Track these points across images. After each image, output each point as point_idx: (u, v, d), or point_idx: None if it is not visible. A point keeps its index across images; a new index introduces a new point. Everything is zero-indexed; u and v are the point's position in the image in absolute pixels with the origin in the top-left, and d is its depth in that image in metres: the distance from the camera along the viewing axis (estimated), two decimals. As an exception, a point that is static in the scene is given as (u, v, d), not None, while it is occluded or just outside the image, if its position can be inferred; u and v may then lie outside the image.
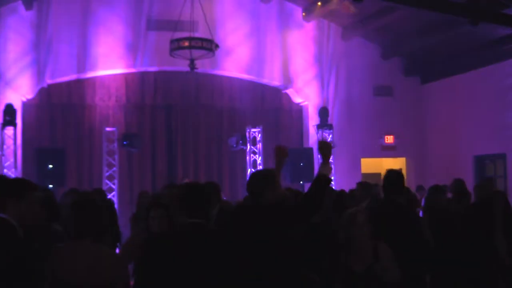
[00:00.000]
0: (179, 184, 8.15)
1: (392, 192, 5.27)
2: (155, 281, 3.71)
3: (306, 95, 15.30)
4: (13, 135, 12.80)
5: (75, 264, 3.77)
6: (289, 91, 15.35)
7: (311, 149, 14.44)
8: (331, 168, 4.28)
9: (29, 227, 3.64)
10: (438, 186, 7.40)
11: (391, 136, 15.67)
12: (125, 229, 8.47)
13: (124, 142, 13.35)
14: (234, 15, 14.57)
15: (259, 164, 14.25)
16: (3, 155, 12.76)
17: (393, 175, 5.36)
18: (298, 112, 15.64)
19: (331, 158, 14.63)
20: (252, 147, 14.41)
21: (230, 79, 14.95)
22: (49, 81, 13.64)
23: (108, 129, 13.58)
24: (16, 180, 3.85)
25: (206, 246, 3.72)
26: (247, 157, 14.42)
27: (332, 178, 14.52)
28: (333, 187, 12.03)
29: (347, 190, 8.21)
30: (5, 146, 12.82)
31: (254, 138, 14.44)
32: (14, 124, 12.76)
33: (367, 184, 7.66)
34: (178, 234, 3.93)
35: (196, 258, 3.66)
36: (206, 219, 3.94)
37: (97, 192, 8.00)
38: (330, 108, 15.12)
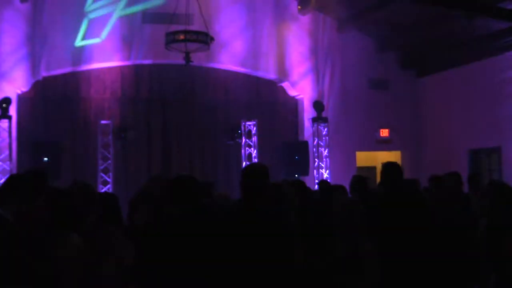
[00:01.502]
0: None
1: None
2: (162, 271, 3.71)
3: (302, 88, 15.31)
4: (8, 128, 12.78)
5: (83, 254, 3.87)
6: (285, 84, 15.34)
7: (306, 143, 14.47)
8: None
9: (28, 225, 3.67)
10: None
11: (386, 130, 15.70)
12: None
13: (119, 135, 13.35)
14: (229, 8, 14.55)
15: (254, 157, 14.26)
16: (-2, 148, 12.76)
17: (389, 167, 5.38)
18: (293, 105, 15.63)
19: (326, 152, 14.57)
20: (247, 140, 14.42)
21: (225, 72, 14.94)
22: (44, 74, 13.60)
23: (103, 122, 13.57)
24: (22, 182, 3.83)
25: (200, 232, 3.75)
26: (242, 151, 14.44)
27: (327, 171, 14.57)
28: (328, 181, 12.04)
29: (341, 183, 8.19)
30: (0, 139, 12.81)
31: (249, 131, 14.45)
32: (9, 117, 12.76)
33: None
34: (169, 223, 3.93)
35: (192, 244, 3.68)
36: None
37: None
38: (325, 101, 15.14)
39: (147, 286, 3.80)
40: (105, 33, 13.69)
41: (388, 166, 5.35)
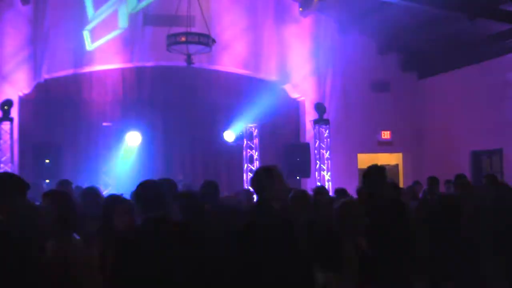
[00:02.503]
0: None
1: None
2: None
3: (303, 90, 15.30)
4: (9, 130, 12.79)
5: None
6: (286, 86, 15.34)
7: (307, 144, 14.47)
8: None
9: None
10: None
11: (388, 132, 15.68)
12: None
13: (121, 138, 13.36)
14: (231, 10, 14.57)
15: (256, 160, 14.27)
16: (-1, 150, 12.77)
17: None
18: (295, 107, 15.64)
19: (328, 154, 14.55)
20: (249, 142, 14.42)
21: (227, 74, 14.95)
22: (46, 75, 13.63)
23: (105, 124, 13.58)
24: (11, 180, 3.79)
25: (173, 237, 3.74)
26: (244, 153, 14.44)
27: (329, 173, 14.56)
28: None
29: (343, 185, 8.21)
30: (1, 141, 12.81)
31: (251, 133, 14.46)
32: (10, 119, 12.77)
33: None
34: (144, 231, 3.86)
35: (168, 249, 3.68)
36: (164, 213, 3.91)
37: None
38: (326, 103, 15.13)
39: None
40: (98, 43, 13.68)
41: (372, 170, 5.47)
